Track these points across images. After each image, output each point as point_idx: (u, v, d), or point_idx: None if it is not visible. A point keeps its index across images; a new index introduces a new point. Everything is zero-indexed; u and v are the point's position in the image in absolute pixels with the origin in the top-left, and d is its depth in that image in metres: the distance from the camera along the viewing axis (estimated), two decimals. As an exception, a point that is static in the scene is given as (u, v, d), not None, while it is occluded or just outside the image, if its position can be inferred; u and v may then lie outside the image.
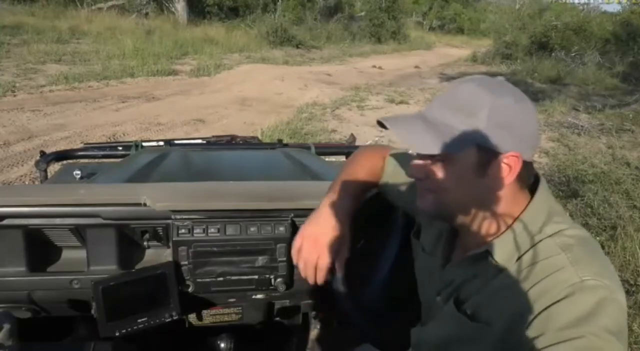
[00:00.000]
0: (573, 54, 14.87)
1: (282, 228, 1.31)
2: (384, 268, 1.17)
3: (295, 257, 1.06)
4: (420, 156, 0.84)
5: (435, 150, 0.78)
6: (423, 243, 1.03)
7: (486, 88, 0.79)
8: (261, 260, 1.31)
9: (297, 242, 1.05)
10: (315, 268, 1.03)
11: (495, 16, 21.65)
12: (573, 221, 0.84)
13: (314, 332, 1.62)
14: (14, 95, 7.06)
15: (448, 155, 0.79)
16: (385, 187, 1.16)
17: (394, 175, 1.13)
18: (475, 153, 0.78)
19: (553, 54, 15.41)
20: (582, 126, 7.33)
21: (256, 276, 1.33)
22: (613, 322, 0.68)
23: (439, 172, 0.81)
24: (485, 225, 0.84)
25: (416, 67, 15.34)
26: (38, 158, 2.01)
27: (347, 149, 2.44)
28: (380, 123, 0.86)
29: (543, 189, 0.84)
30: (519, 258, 0.79)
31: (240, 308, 1.46)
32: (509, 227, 0.82)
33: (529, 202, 0.82)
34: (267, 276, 1.33)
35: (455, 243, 0.95)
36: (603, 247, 3.41)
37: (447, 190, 0.82)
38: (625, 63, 13.74)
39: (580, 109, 8.78)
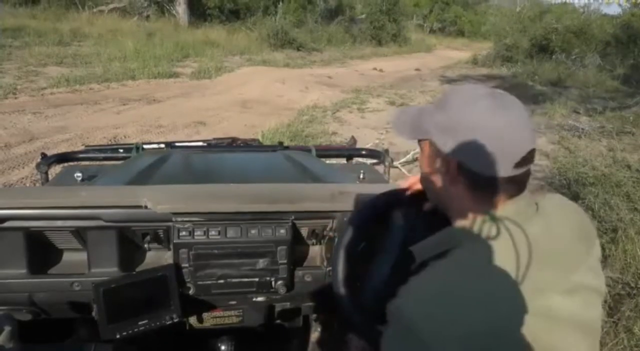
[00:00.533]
0: (574, 57, 14.89)
1: (282, 231, 1.31)
2: (384, 269, 1.16)
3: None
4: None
5: (403, 134, 0.90)
6: None
7: (467, 94, 0.83)
8: (262, 263, 1.31)
9: None
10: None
11: (495, 19, 21.69)
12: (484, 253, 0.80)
13: (314, 335, 1.62)
14: (15, 98, 7.08)
15: (420, 142, 0.89)
16: None
17: None
18: (428, 146, 0.87)
19: (554, 57, 15.43)
20: (582, 128, 7.33)
21: (257, 279, 1.33)
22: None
23: (420, 154, 0.92)
24: (439, 206, 0.93)
25: (417, 69, 15.35)
26: (39, 160, 2.01)
27: (348, 152, 2.45)
28: None
29: (506, 207, 0.82)
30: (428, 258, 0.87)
31: (240, 310, 1.46)
32: (453, 218, 0.88)
33: (472, 212, 0.83)
34: (268, 278, 1.33)
35: None
36: (604, 249, 3.41)
37: (421, 173, 0.95)
38: (625, 65, 13.76)
39: (581, 112, 8.78)
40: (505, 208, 0.82)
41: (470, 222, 0.83)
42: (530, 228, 0.79)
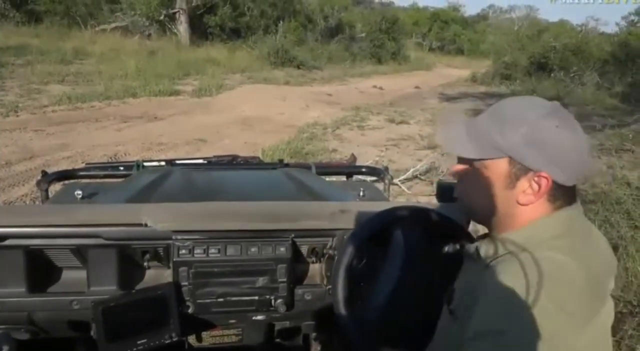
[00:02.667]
0: (572, 75, 15.02)
1: (282, 249, 1.30)
2: (385, 289, 1.16)
3: None
4: (461, 160, 0.89)
5: (469, 154, 0.84)
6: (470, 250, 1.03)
7: (533, 108, 0.82)
8: (262, 281, 1.31)
9: None
10: None
11: (494, 37, 21.95)
12: (572, 244, 0.83)
13: (314, 354, 1.61)
14: (17, 115, 7.12)
15: (483, 161, 0.83)
16: None
17: None
18: (506, 165, 0.82)
19: (552, 75, 15.56)
20: (582, 146, 7.33)
21: (256, 297, 1.32)
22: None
23: (474, 177, 0.86)
24: (496, 228, 0.89)
25: (416, 87, 15.46)
26: (39, 178, 2.01)
27: (348, 169, 2.45)
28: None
29: (567, 211, 0.84)
30: (490, 263, 0.84)
31: (240, 329, 1.45)
32: (507, 231, 0.86)
33: (542, 218, 0.83)
34: (268, 297, 1.32)
35: None
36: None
37: (472, 193, 0.88)
38: (624, 83, 13.85)
39: (580, 129, 8.80)
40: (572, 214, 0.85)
41: (539, 229, 0.83)
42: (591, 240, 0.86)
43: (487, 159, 0.82)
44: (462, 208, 0.95)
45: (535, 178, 0.81)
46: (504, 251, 0.83)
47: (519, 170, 0.81)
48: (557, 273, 0.77)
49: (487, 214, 0.88)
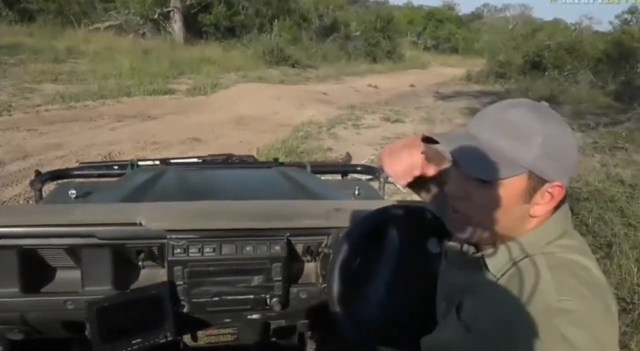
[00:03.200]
0: (566, 73, 15.08)
1: (277, 248, 1.30)
2: (380, 287, 1.16)
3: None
4: (461, 176, 0.83)
5: (491, 175, 0.77)
6: (448, 251, 1.02)
7: (537, 115, 0.78)
8: (257, 280, 1.31)
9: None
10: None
11: (489, 36, 21.97)
12: (580, 243, 0.85)
13: (310, 352, 1.61)
14: (10, 115, 7.07)
15: (500, 180, 0.78)
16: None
17: None
18: (525, 180, 0.78)
19: (546, 73, 15.62)
20: (576, 144, 7.37)
21: (252, 296, 1.32)
22: (586, 344, 0.68)
23: (484, 196, 0.80)
24: (492, 238, 0.85)
25: (411, 85, 15.47)
26: (33, 177, 2.00)
27: (343, 168, 2.45)
28: (429, 139, 0.87)
29: (563, 210, 0.85)
30: (507, 271, 0.81)
31: (235, 328, 1.44)
32: (510, 239, 0.84)
33: (544, 220, 0.83)
34: (263, 295, 1.32)
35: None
36: (599, 265, 3.41)
37: (483, 211, 0.82)
38: (617, 82, 13.92)
39: (574, 128, 8.83)
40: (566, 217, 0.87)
41: (546, 232, 0.83)
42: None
43: (503, 177, 0.77)
44: (468, 235, 0.87)
45: (550, 189, 0.79)
46: (520, 256, 0.81)
47: (537, 182, 0.78)
48: (588, 276, 0.78)
49: (496, 232, 0.83)
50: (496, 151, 0.78)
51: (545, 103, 0.86)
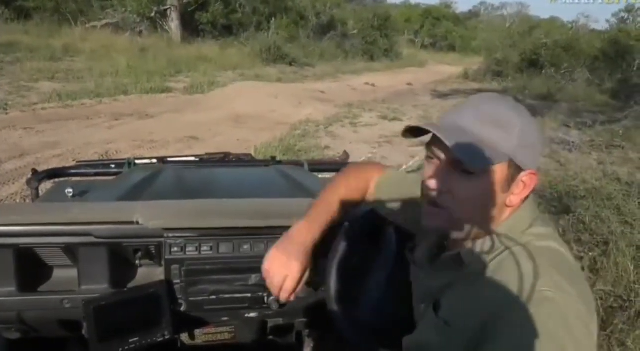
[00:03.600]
0: (563, 71, 15.10)
1: None
2: (378, 286, 1.16)
3: (264, 274, 1.08)
4: (445, 169, 0.84)
5: (483, 163, 0.79)
6: (416, 257, 1.04)
7: (513, 107, 0.84)
8: (254, 278, 1.30)
9: (266, 262, 1.08)
10: (280, 288, 1.07)
11: (486, 34, 21.99)
12: (552, 230, 0.87)
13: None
14: (6, 113, 7.04)
15: (485, 168, 0.81)
16: (379, 204, 1.17)
17: (389, 192, 1.15)
18: (506, 168, 0.81)
19: (543, 71, 15.64)
20: (573, 142, 7.39)
21: (249, 295, 1.32)
22: (566, 333, 0.69)
23: (468, 187, 0.82)
24: (468, 232, 0.86)
25: (409, 84, 15.48)
26: (30, 176, 2.00)
27: (340, 166, 2.45)
28: (415, 130, 0.87)
29: (531, 199, 0.88)
30: (487, 265, 0.83)
31: (233, 327, 1.44)
32: (486, 233, 0.85)
33: (515, 210, 0.86)
34: (261, 294, 1.32)
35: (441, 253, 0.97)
36: (595, 263, 3.42)
37: (466, 204, 0.83)
38: (614, 80, 13.96)
39: (571, 126, 8.87)
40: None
41: (519, 221, 0.86)
42: None
43: (491, 165, 0.80)
44: (444, 223, 0.86)
45: (524, 178, 0.83)
46: (499, 248, 0.83)
47: (515, 171, 0.82)
48: (565, 263, 0.80)
49: (476, 224, 0.85)
50: (484, 141, 0.80)
51: (510, 97, 0.90)
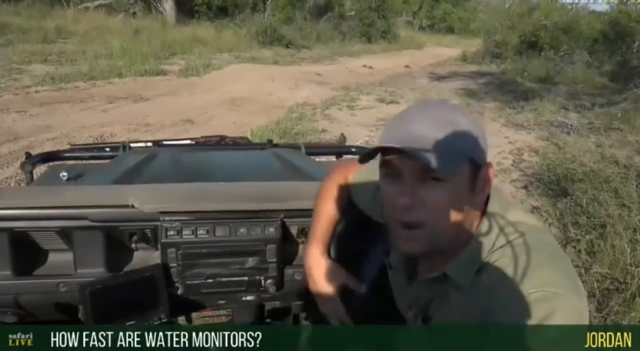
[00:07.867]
0: (562, 54, 15.01)
1: (272, 229, 1.30)
2: (373, 269, 1.16)
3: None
4: (412, 182, 0.80)
5: (450, 167, 0.77)
6: (390, 260, 1.05)
7: (456, 108, 0.87)
8: (251, 262, 1.30)
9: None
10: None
11: (485, 15, 21.82)
12: (528, 216, 0.88)
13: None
14: None
15: (451, 174, 0.78)
16: (357, 202, 1.17)
17: (360, 189, 1.15)
18: (468, 168, 0.80)
19: (542, 53, 15.53)
20: (571, 125, 7.38)
21: (246, 278, 1.32)
22: (560, 332, 0.71)
23: (438, 193, 0.79)
24: (448, 245, 0.85)
25: (406, 66, 15.37)
26: (24, 160, 1.98)
27: (337, 149, 2.44)
28: (378, 150, 0.83)
29: (494, 189, 0.88)
30: (476, 272, 0.82)
31: (230, 310, 1.44)
32: (465, 245, 0.85)
33: (483, 215, 0.86)
34: (257, 277, 1.32)
35: (417, 262, 0.97)
36: (592, 246, 3.44)
37: (441, 213, 0.80)
38: (613, 62, 13.89)
39: (570, 108, 8.84)
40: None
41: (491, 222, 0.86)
42: None
43: (459, 167, 0.79)
44: (422, 246, 0.84)
45: (485, 173, 0.83)
46: (485, 253, 0.83)
47: (475, 169, 0.82)
48: (551, 252, 0.82)
49: (455, 233, 0.83)
50: (446, 145, 0.78)
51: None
